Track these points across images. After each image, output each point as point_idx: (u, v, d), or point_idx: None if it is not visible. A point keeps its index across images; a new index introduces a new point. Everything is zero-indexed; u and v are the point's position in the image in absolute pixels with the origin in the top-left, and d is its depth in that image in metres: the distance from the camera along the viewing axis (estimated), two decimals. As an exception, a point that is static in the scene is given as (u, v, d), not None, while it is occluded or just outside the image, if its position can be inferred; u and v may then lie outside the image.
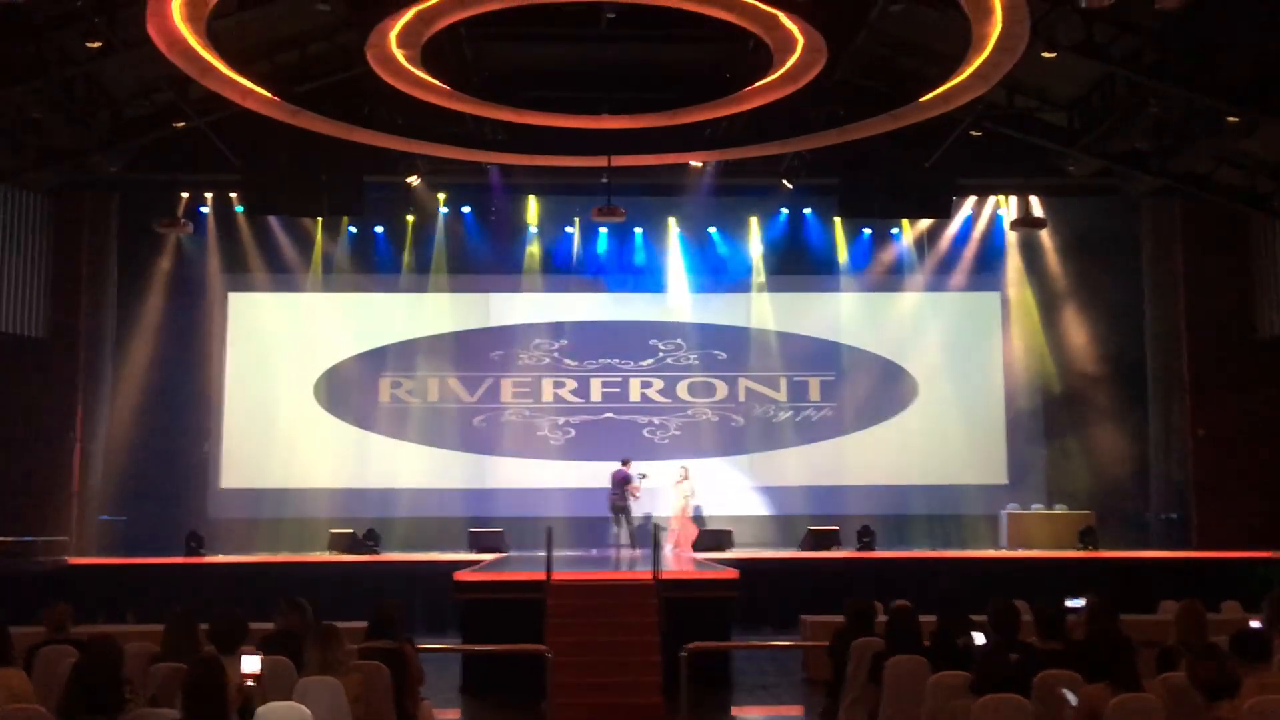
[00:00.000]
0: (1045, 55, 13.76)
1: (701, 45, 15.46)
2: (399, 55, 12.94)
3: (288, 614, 7.27)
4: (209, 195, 19.05)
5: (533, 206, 19.93)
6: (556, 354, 20.43)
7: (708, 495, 19.37)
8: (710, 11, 12.24)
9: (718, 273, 20.52)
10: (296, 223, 19.61)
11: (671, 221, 20.28)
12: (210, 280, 19.89)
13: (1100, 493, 19.07)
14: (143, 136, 16.77)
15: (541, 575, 12.06)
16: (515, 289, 20.36)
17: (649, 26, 14.54)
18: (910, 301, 20.50)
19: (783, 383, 20.51)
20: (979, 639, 6.94)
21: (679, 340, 20.50)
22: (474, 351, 20.40)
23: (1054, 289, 20.05)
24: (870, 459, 20.04)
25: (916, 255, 20.42)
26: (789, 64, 13.12)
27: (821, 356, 20.47)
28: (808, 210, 19.96)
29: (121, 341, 19.13)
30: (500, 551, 17.07)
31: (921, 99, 14.24)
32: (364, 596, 11.17)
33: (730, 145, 16.63)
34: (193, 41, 12.27)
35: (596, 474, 18.76)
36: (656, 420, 20.30)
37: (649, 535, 13.55)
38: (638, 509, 18.37)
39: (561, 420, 20.31)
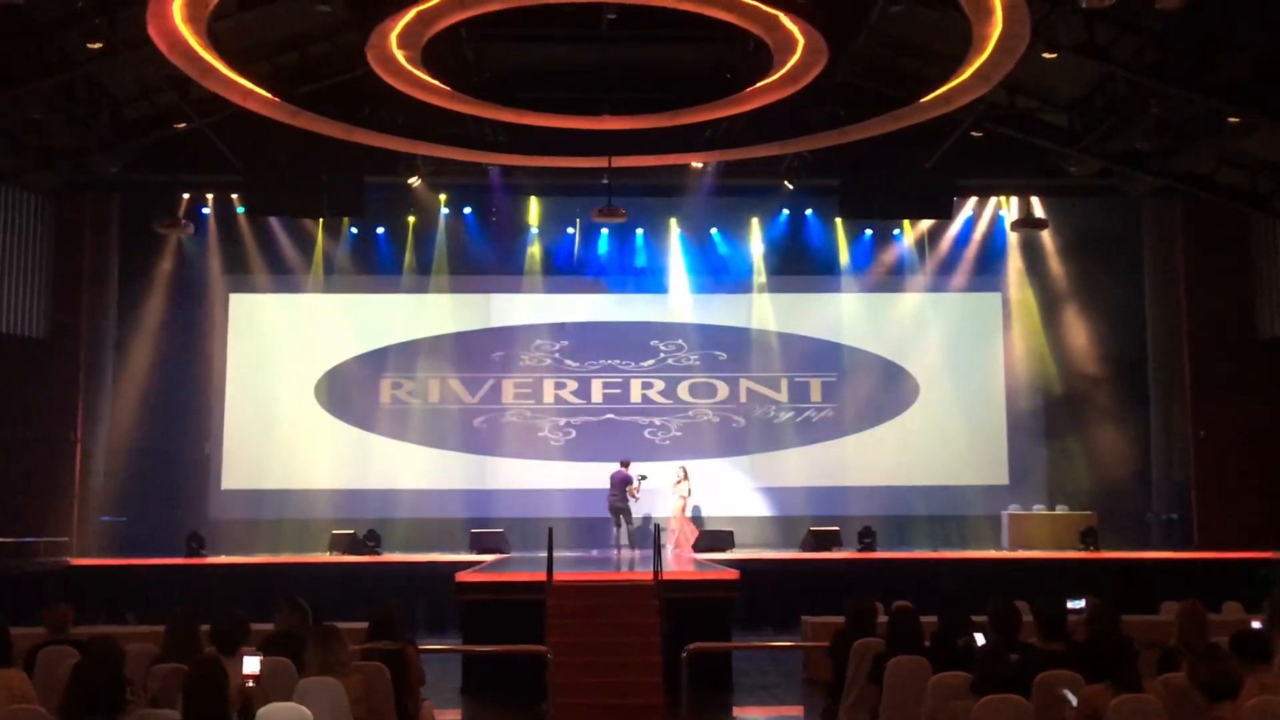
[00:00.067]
0: (1046, 56, 13.76)
1: (702, 46, 15.46)
2: (400, 56, 12.95)
3: (288, 615, 7.26)
4: (210, 196, 19.07)
5: (534, 207, 19.93)
6: (557, 355, 20.43)
7: (709, 496, 19.37)
8: (711, 12, 12.24)
9: (719, 273, 20.52)
10: (297, 223, 19.61)
11: (672, 222, 20.28)
12: (211, 281, 19.90)
13: (1101, 493, 19.06)
14: (144, 137, 16.77)
15: (542, 576, 12.05)
16: (516, 290, 20.36)
17: (650, 27, 14.52)
18: (911, 302, 20.50)
19: (784, 383, 20.50)
20: (980, 639, 6.94)
21: (680, 341, 20.50)
22: (475, 352, 20.40)
23: (1055, 289, 20.05)
24: (871, 460, 20.04)
25: (917, 256, 20.42)
26: (790, 65, 13.13)
27: (822, 357, 20.47)
28: (809, 211, 19.97)
29: (122, 342, 19.14)
30: (501, 552, 17.07)
31: (922, 100, 14.25)
32: (365, 597, 11.22)
33: (731, 146, 16.63)
34: (193, 42, 12.29)
35: (597, 475, 18.75)
36: (657, 421, 20.30)
37: (649, 536, 13.55)
38: (637, 510, 18.37)
39: (562, 421, 20.31)
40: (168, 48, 12.34)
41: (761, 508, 20.01)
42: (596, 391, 20.40)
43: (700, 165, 17.96)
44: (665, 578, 12.16)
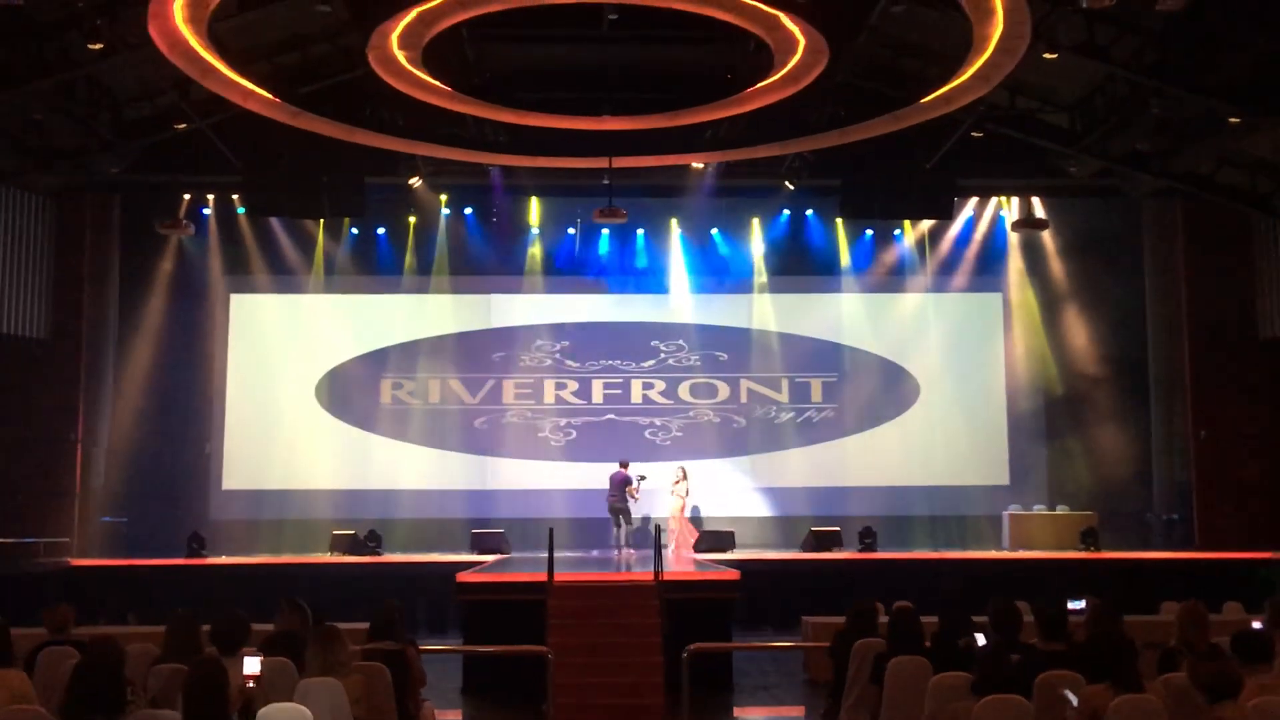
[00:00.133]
0: (1046, 56, 13.76)
1: (703, 46, 15.45)
2: (400, 56, 12.95)
3: (289, 615, 7.27)
4: (211, 197, 19.08)
5: (534, 208, 19.93)
6: (558, 355, 20.43)
7: (709, 496, 19.39)
8: (711, 13, 12.24)
9: (719, 274, 20.52)
10: (298, 224, 19.62)
11: (673, 222, 20.28)
12: (212, 281, 19.91)
13: (1102, 493, 19.06)
14: (145, 138, 16.77)
15: (543, 576, 12.05)
16: (517, 290, 20.36)
17: (650, 27, 14.52)
18: (912, 302, 20.51)
19: (784, 384, 20.50)
20: (980, 640, 6.94)
21: (681, 341, 20.50)
22: (475, 353, 20.40)
23: (1055, 290, 20.06)
24: (872, 460, 20.04)
25: (918, 256, 20.43)
26: (790, 65, 13.12)
27: (823, 357, 20.47)
28: (809, 211, 19.98)
29: (123, 343, 19.15)
30: (502, 553, 17.07)
31: (923, 100, 14.25)
32: (365, 598, 11.19)
33: (732, 146, 16.63)
34: (194, 43, 12.29)
35: (598, 475, 18.74)
36: (658, 421, 20.30)
37: (648, 536, 13.55)
38: (636, 510, 18.36)
39: (563, 421, 20.31)
40: (168, 48, 12.34)
41: (762, 508, 20.01)
42: (597, 392, 20.40)
43: (701, 166, 17.96)
44: (666, 578, 12.16)
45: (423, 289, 20.24)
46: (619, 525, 18.08)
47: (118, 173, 17.44)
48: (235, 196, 18.57)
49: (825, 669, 8.57)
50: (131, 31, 12.98)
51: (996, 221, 20.15)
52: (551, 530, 13.06)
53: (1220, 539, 17.48)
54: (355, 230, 19.86)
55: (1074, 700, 5.67)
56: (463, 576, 12.81)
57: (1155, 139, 15.99)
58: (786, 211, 19.98)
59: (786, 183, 18.51)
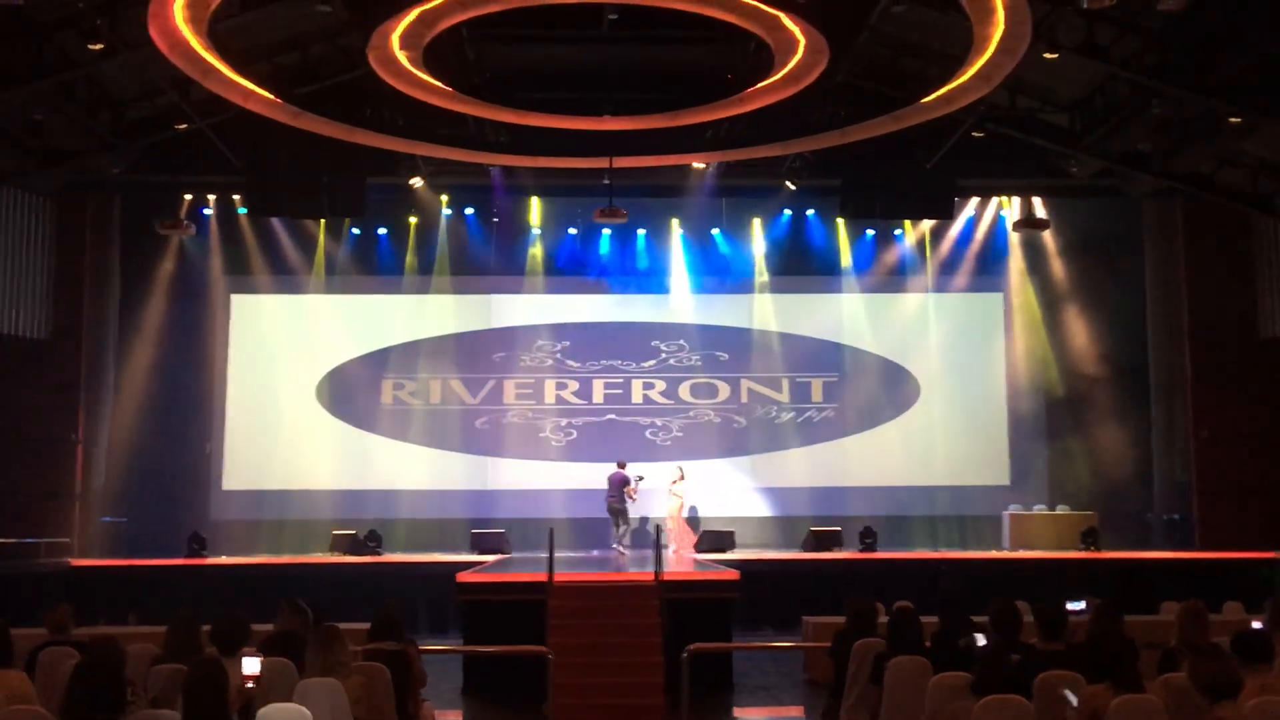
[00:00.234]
0: (1047, 56, 13.76)
1: (703, 46, 15.44)
2: (401, 57, 12.94)
3: (289, 615, 7.27)
4: (211, 197, 19.09)
5: (535, 208, 19.94)
6: (558, 355, 20.43)
7: (710, 496, 19.39)
8: (712, 13, 12.24)
9: (720, 274, 20.53)
10: (299, 224, 19.62)
11: (674, 223, 20.29)
12: (212, 282, 19.91)
13: (1102, 493, 19.05)
14: (145, 138, 16.76)
15: (543, 576, 12.05)
16: (517, 290, 20.37)
17: (651, 27, 14.52)
18: (913, 302, 20.51)
19: (785, 384, 20.50)
20: (980, 640, 6.93)
21: (681, 341, 20.50)
22: (476, 353, 20.40)
23: (1056, 290, 20.06)
24: (872, 460, 20.04)
25: (919, 256, 20.44)
26: (791, 65, 13.12)
27: (824, 357, 20.47)
28: (810, 211, 20.00)
29: (124, 343, 19.14)
30: (502, 553, 17.08)
31: (923, 100, 14.24)
32: (366, 598, 11.22)
33: (732, 146, 16.63)
34: (194, 43, 12.29)
35: (598, 475, 18.71)
36: (659, 421, 20.30)
37: (647, 537, 13.55)
38: (634, 511, 18.35)
39: (564, 422, 20.31)
40: (169, 48, 12.34)
41: (762, 508, 20.01)
42: (598, 392, 20.40)
43: (702, 166, 17.96)
44: (666, 578, 12.17)
45: (423, 289, 20.24)
46: (617, 526, 18.08)
47: (118, 173, 17.43)
48: (236, 197, 18.58)
49: (825, 669, 8.57)
50: (131, 31, 12.99)
51: (997, 221, 20.15)
52: (552, 530, 13.08)
53: (1220, 539, 17.46)
54: (356, 230, 19.86)
55: (1074, 700, 5.67)
56: (463, 576, 12.81)
57: (1155, 139, 15.99)
58: (787, 211, 19.99)
59: (787, 183, 18.50)
